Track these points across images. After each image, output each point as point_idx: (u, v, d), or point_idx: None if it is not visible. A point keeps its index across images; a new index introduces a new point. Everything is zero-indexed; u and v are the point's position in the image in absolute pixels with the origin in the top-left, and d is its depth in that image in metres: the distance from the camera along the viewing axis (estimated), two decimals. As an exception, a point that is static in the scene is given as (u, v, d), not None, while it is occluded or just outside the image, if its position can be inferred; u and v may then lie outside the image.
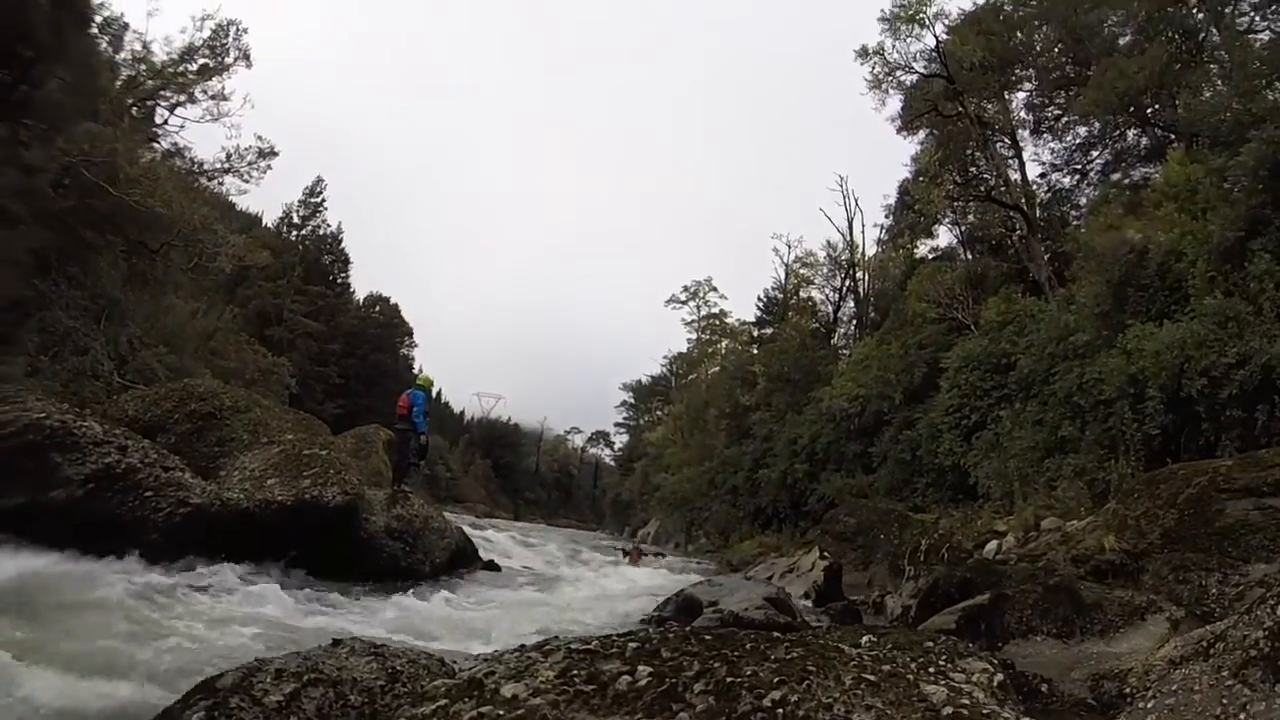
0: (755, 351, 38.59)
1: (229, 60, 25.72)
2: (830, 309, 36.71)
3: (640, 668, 1.92)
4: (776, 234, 44.82)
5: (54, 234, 20.32)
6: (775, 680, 1.80)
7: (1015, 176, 24.05)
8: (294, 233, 51.67)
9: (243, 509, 7.69)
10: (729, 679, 1.80)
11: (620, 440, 72.12)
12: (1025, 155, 24.71)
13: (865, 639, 2.51)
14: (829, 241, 36.63)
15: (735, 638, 2.13)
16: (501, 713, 1.87)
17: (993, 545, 11.86)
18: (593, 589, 11.34)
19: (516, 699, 1.90)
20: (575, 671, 1.98)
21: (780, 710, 1.70)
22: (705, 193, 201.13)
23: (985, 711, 1.74)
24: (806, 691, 1.75)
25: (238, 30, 25.69)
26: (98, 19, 23.41)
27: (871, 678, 1.85)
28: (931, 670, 2.27)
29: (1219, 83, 15.70)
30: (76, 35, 20.75)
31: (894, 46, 24.58)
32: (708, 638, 2.14)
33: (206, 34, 25.36)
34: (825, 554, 12.24)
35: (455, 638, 6.01)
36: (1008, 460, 14.67)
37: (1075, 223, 22.50)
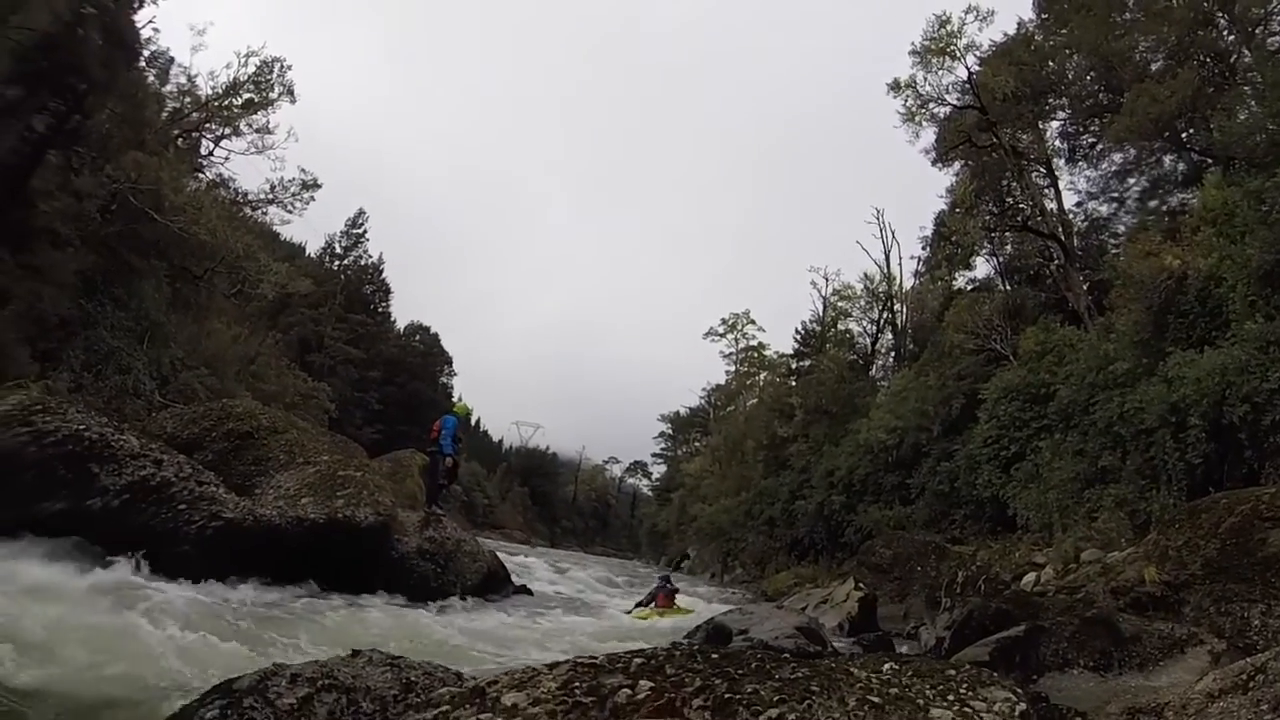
0: (793, 383, 38.61)
1: (273, 95, 26.48)
2: (868, 341, 36.65)
3: (642, 682, 1.90)
4: (814, 267, 44.90)
5: (100, 257, 21.07)
6: (775, 699, 1.76)
7: (1052, 206, 23.90)
8: (336, 262, 53.08)
9: (275, 525, 7.76)
10: (728, 695, 1.78)
11: (658, 470, 72.12)
12: (1061, 184, 24.64)
13: (887, 666, 2.44)
14: (866, 274, 36.81)
15: (742, 656, 2.09)
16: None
17: (1031, 577, 11.65)
18: (623, 615, 11.21)
19: (516, 707, 1.90)
20: (577, 684, 1.96)
21: (775, 729, 1.65)
22: (744, 227, 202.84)
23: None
24: (806, 711, 1.72)
25: (282, 67, 26.47)
26: (145, 53, 24.31)
27: (876, 699, 1.80)
28: (950, 698, 2.20)
29: (1252, 104, 15.42)
30: (125, 69, 21.67)
31: (926, 79, 24.90)
32: (714, 655, 2.10)
33: (251, 70, 26.16)
34: (860, 585, 12.00)
35: (478, 656, 6.00)
36: (1047, 491, 14.40)
37: (1113, 250, 22.23)
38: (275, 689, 2.55)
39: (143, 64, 24.48)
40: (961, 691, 2.41)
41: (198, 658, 4.38)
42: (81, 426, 7.01)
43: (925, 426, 21.25)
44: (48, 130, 21.26)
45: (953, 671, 2.68)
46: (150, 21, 23.07)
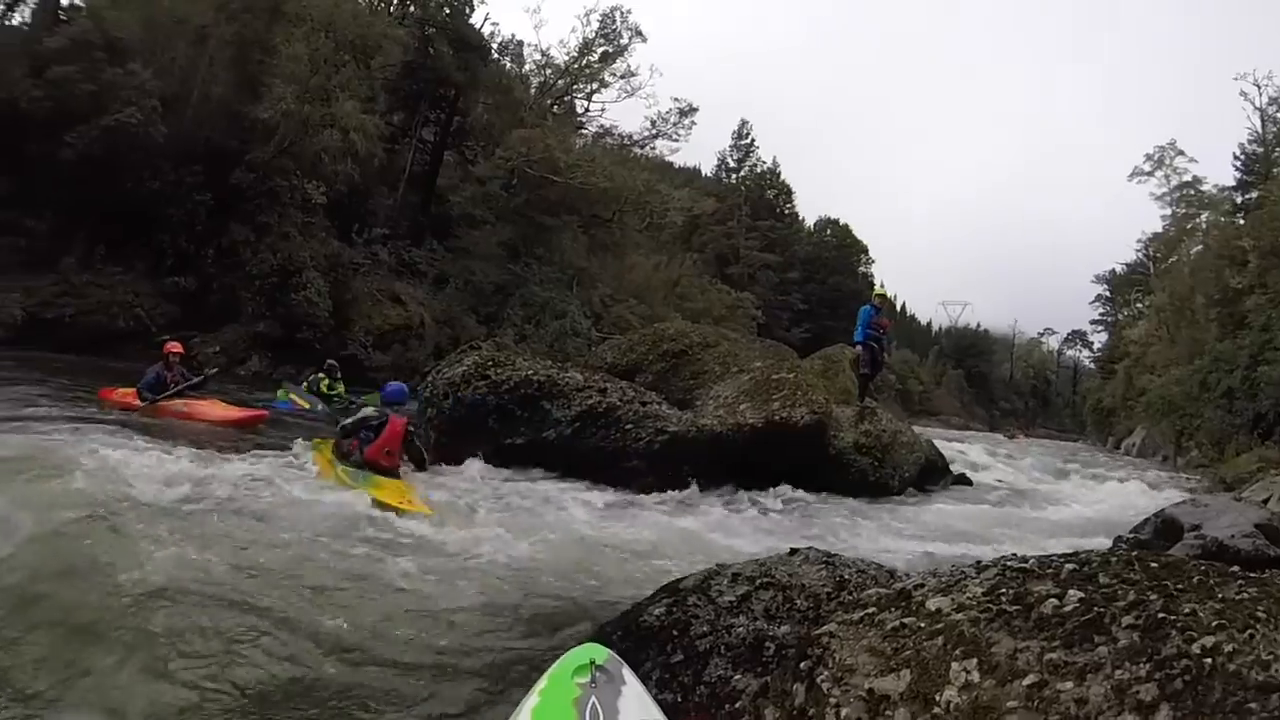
0: (1241, 222, 31.42)
1: (624, 42, 28.36)
2: (1327, 155, 27.69)
3: (1071, 592, 1.86)
4: (1240, 74, 34.76)
5: (516, 226, 25.45)
6: (1214, 624, 1.63)
7: None
8: (732, 176, 56.12)
9: (716, 433, 8.44)
10: (1161, 615, 1.69)
11: (1098, 340, 62.65)
12: None
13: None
14: (1305, 68, 27.46)
15: (1183, 568, 1.92)
16: (922, 624, 1.96)
17: None
18: (1068, 506, 10.40)
19: (939, 613, 1.97)
20: (1003, 590, 1.97)
21: (1208, 660, 1.55)
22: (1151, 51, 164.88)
23: None
24: (1247, 642, 1.56)
25: (622, 14, 28.11)
26: (494, 46, 27.91)
27: (1331, 635, 1.56)
28: None
29: None
30: (482, 65, 25.44)
31: None
32: (1153, 565, 1.95)
33: (595, 26, 28.20)
34: (1340, 471, 9.53)
35: (914, 552, 6.06)
36: None
37: None
38: (717, 587, 2.85)
39: (495, 56, 28.23)
40: None
41: (649, 559, 5.21)
42: (530, 372, 8.49)
43: None
44: (436, 138, 26.16)
45: None
46: (486, 18, 26.69)
